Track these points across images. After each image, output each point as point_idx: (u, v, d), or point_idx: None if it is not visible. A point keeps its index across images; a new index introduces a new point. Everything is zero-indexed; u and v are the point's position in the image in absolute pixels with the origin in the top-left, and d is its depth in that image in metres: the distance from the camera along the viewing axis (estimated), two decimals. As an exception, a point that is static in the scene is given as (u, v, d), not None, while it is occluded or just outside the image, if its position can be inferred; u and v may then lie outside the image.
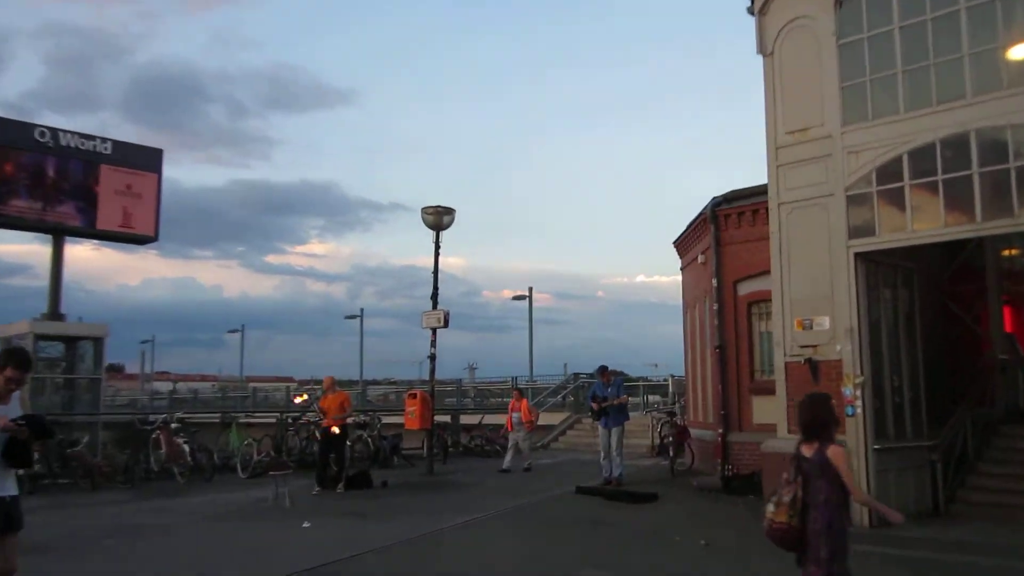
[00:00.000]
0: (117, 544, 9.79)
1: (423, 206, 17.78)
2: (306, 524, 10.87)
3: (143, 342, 72.23)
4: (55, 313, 20.70)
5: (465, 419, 26.26)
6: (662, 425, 19.50)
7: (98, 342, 20.74)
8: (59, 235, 21.20)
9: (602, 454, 15.39)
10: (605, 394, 15.23)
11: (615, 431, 15.20)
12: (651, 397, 32.55)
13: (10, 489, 5.40)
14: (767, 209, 12.05)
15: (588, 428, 26.30)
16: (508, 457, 18.53)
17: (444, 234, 17.91)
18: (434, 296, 17.84)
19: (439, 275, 17.96)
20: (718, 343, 15.60)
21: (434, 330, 17.67)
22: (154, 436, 16.65)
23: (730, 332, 15.58)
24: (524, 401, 19.34)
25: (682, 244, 18.76)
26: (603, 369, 15.45)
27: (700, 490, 13.99)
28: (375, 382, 76.08)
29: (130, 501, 13.64)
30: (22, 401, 5.64)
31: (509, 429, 19.10)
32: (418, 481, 16.35)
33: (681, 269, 19.37)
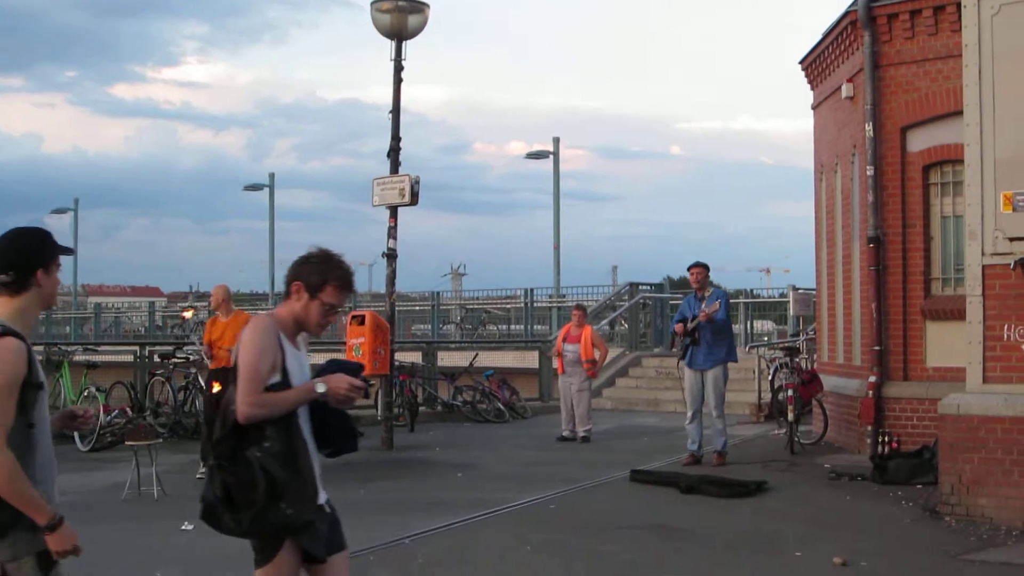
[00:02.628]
0: None
1: (373, -1, 17.63)
2: (187, 526, 11.10)
3: (-90, 228, 72.47)
4: None
5: (447, 359, 26.62)
6: (776, 370, 19.73)
7: None
8: None
9: (689, 413, 15.67)
10: (696, 312, 15.42)
11: (712, 374, 15.44)
12: (759, 325, 32.84)
13: (323, 491, 5.49)
14: (958, 6, 11.85)
15: (651, 376, 26.70)
16: (568, 417, 19.07)
17: (410, 47, 17.81)
18: (393, 153, 17.81)
19: (402, 116, 17.90)
20: (873, 232, 15.67)
21: (393, 210, 17.70)
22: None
23: (893, 215, 15.62)
24: (588, 329, 19.45)
25: (815, 65, 18.63)
26: (699, 268, 15.61)
27: (836, 476, 14.24)
28: (296, 297, 76.49)
29: None
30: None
31: (560, 372, 19.40)
32: (368, 460, 16.67)
33: (813, 108, 19.30)
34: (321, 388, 5.20)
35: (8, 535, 4.53)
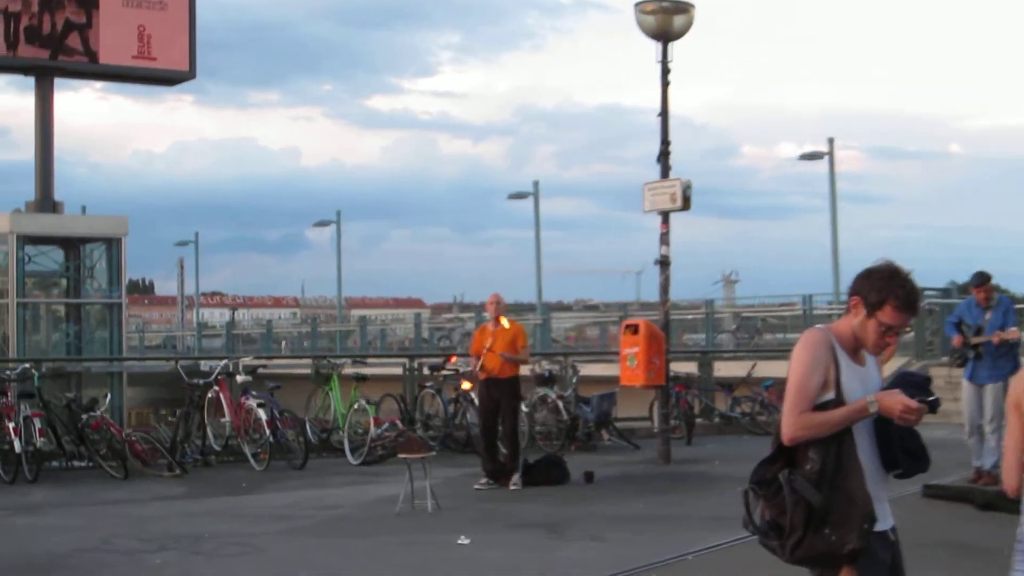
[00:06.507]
0: (166, 565, 10.70)
1: (637, 0, 17.69)
2: (463, 540, 11.42)
3: (180, 244, 76.41)
4: (46, 201, 22.35)
5: (723, 369, 26.46)
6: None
7: (114, 246, 22.29)
8: (42, 77, 22.69)
9: (967, 428, 15.19)
10: (979, 322, 14.90)
11: (992, 388, 14.87)
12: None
13: (889, 517, 5.36)
14: None
15: (940, 386, 25.83)
16: None
17: (676, 49, 17.78)
18: (663, 157, 17.81)
19: (669, 120, 17.89)
20: None
21: (665, 215, 17.69)
22: (210, 396, 17.95)
23: None
24: None
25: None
26: (982, 279, 15.06)
27: None
28: (562, 306, 77.32)
29: (181, 497, 14.87)
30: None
31: None
32: (645, 473, 16.85)
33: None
34: (873, 407, 5.00)
35: None
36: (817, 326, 5.31)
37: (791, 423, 4.98)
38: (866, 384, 5.14)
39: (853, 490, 4.96)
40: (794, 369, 5.07)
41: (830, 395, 5.02)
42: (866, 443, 5.10)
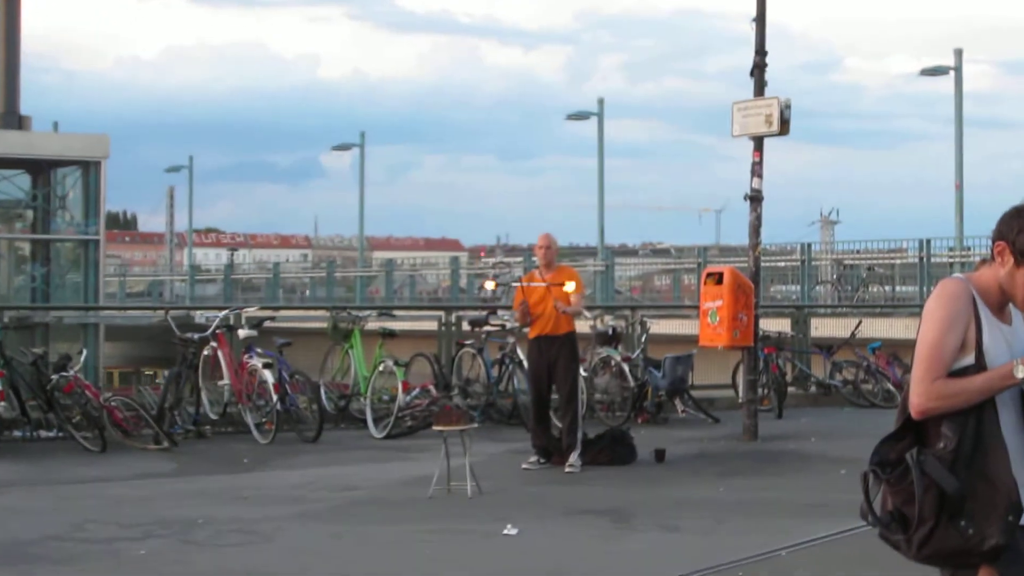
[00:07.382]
0: (152, 556, 10.65)
1: None
2: (509, 530, 11.36)
3: (171, 171, 76.66)
4: (10, 115, 22.37)
5: (821, 327, 26.34)
6: None
7: (91, 171, 22.30)
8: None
9: None
10: None
11: None
12: None
13: None
14: None
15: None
16: None
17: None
18: (758, 70, 17.70)
19: (766, 26, 17.79)
20: None
21: (758, 141, 17.58)
22: (206, 353, 17.91)
23: None
24: None
25: None
26: None
27: None
28: (627, 251, 77.14)
29: (170, 475, 14.87)
30: None
31: None
32: (727, 451, 16.84)
33: None
34: (1020, 373, 4.80)
35: None
36: (955, 275, 5.15)
37: (922, 392, 4.84)
38: (1013, 346, 4.99)
39: (995, 474, 4.81)
40: (927, 327, 4.93)
41: (969, 359, 4.87)
42: (1011, 417, 4.94)
